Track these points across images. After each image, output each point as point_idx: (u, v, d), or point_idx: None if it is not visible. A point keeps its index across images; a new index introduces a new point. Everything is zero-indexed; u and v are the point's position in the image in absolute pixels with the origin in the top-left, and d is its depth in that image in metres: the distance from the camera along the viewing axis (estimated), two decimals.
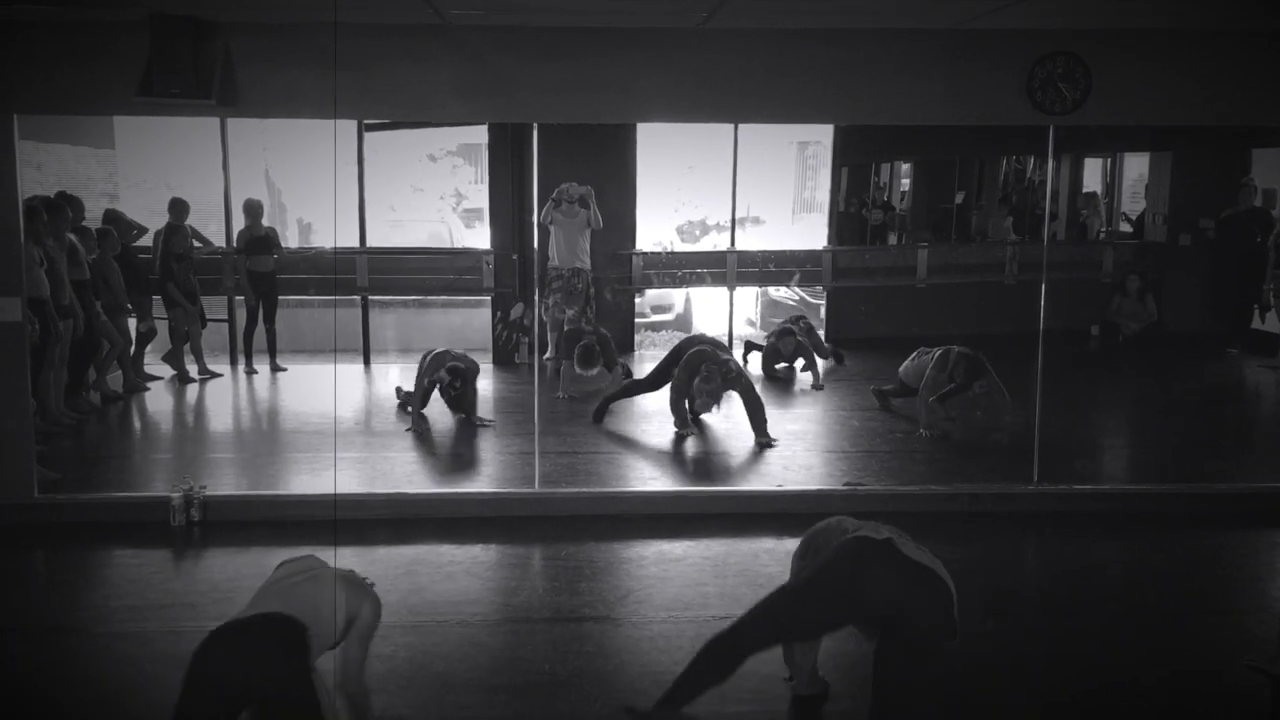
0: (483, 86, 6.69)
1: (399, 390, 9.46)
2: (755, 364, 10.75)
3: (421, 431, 8.65)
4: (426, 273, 11.44)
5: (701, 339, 9.21)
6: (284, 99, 6.58)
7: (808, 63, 6.79)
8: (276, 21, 6.42)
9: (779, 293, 13.80)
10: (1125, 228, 13.48)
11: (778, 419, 8.73)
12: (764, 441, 8.26)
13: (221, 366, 10.90)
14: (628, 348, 11.52)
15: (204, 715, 3.33)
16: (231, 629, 3.48)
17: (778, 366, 10.63)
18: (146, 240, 10.31)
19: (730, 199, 11.98)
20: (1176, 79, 6.89)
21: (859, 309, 12.11)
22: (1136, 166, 13.88)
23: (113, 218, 9.98)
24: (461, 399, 8.83)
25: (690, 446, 8.38)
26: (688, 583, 5.86)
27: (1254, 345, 11.23)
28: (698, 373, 8.41)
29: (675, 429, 8.51)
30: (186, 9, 6.07)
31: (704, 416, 8.77)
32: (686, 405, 8.50)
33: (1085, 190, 13.88)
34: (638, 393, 9.19)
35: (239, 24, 6.39)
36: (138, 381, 9.92)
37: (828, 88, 6.88)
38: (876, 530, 3.98)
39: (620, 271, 11.46)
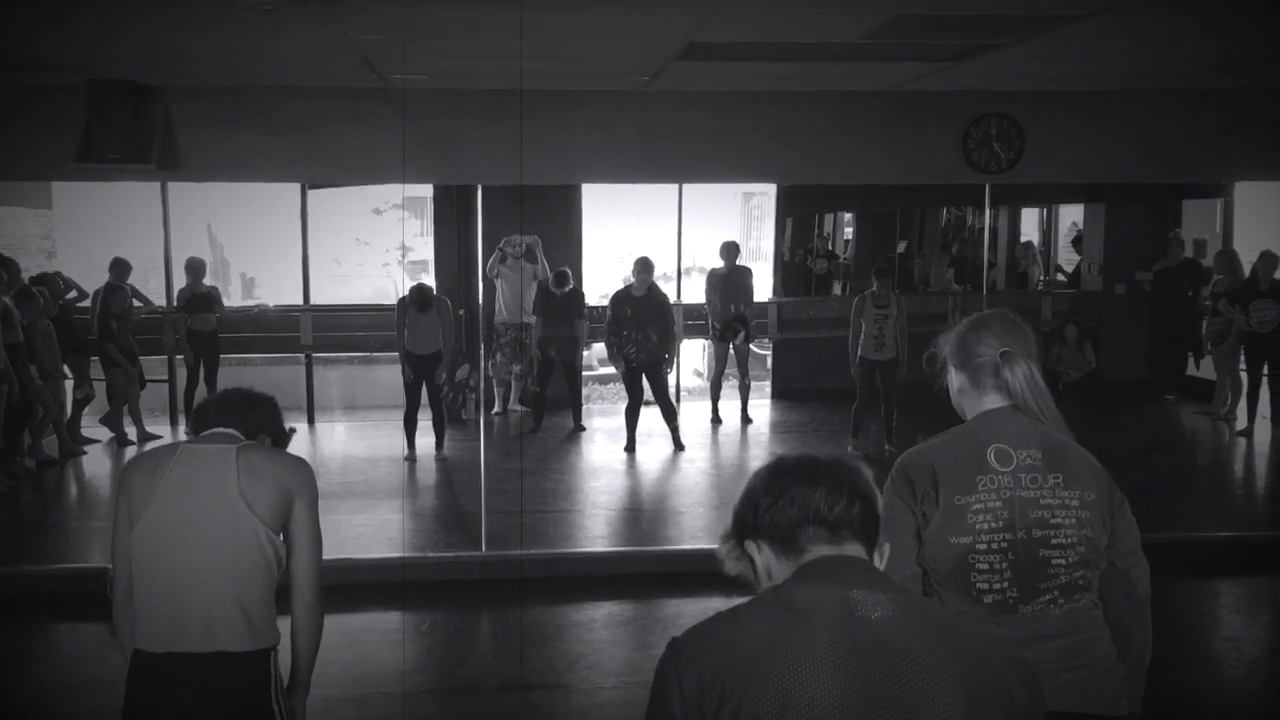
0: (427, 149, 6.71)
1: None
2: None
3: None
4: (372, 330, 11.36)
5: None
6: (225, 163, 6.56)
7: (749, 124, 6.90)
8: (217, 85, 6.41)
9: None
10: (1060, 277, 13.73)
11: (721, 474, 8.76)
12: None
13: (161, 428, 10.70)
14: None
15: None
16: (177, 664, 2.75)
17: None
18: (86, 301, 10.14)
19: (676, 249, 12.06)
20: (1107, 139, 7.09)
21: (804, 360, 12.18)
22: (1071, 215, 14.18)
23: (41, 280, 9.80)
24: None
25: (637, 503, 8.37)
26: (638, 646, 5.82)
27: (1190, 391, 11.46)
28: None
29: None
30: (126, 74, 6.03)
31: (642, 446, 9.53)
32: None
33: (1023, 240, 14.14)
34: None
35: (179, 88, 6.36)
36: (74, 446, 9.72)
37: (769, 149, 6.99)
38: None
39: (568, 335, 11.45)
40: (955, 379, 2.75)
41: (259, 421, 2.94)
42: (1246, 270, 10.28)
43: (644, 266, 9.78)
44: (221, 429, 2.86)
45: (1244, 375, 10.25)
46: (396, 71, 6.02)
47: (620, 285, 10.23)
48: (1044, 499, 2.55)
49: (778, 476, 1.81)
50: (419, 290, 9.29)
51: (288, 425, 3.07)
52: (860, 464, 1.83)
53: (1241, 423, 10.06)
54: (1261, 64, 6.20)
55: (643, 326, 9.49)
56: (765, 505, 1.78)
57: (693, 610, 6.34)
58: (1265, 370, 9.89)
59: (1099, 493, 2.59)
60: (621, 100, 6.77)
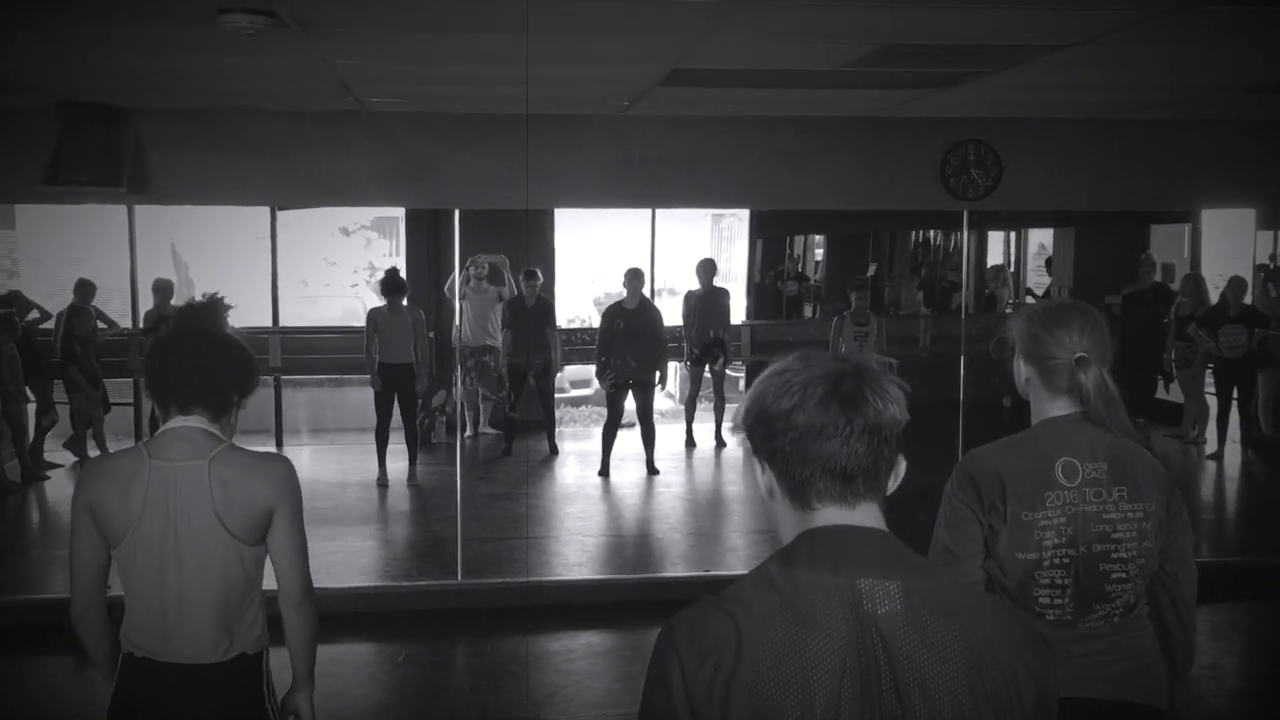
0: (403, 173, 6.64)
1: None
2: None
3: None
4: (341, 352, 11.23)
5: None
6: (198, 185, 6.45)
7: (728, 149, 6.88)
8: (189, 107, 6.31)
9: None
10: (1030, 300, 13.80)
11: (697, 500, 8.71)
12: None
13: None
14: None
15: None
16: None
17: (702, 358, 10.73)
18: (48, 323, 9.96)
19: (649, 271, 12.00)
20: (1082, 166, 7.13)
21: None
22: (1038, 237, 14.29)
23: (8, 301, 9.62)
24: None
25: (613, 529, 8.30)
26: (617, 676, 5.74)
27: (1158, 415, 11.53)
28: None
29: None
30: (97, 96, 5.92)
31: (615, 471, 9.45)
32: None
33: (992, 264, 14.21)
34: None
35: (150, 110, 6.26)
36: (37, 470, 9.52)
37: (748, 174, 6.97)
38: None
39: (541, 354, 11.37)
40: (1023, 370, 2.66)
41: (228, 394, 2.76)
42: (1212, 295, 10.39)
43: (635, 276, 9.52)
44: (187, 422, 2.71)
45: (1210, 399, 10.34)
46: (374, 95, 5.95)
47: (592, 306, 10.15)
48: (1106, 513, 2.51)
49: (800, 406, 1.57)
50: (391, 275, 9.09)
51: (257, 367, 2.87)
52: (893, 381, 1.62)
53: (1211, 446, 10.13)
54: (1231, 95, 6.27)
55: (634, 340, 9.25)
56: (779, 430, 1.58)
57: None
58: (1234, 394, 9.98)
59: (1160, 501, 2.56)
60: (601, 125, 6.73)
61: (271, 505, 2.72)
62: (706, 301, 10.62)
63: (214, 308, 2.87)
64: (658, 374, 9.51)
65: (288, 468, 2.81)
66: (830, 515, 1.60)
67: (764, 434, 1.62)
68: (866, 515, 1.61)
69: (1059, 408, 2.58)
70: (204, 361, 2.73)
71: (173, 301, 10.63)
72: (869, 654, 1.50)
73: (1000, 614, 1.65)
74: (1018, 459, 2.55)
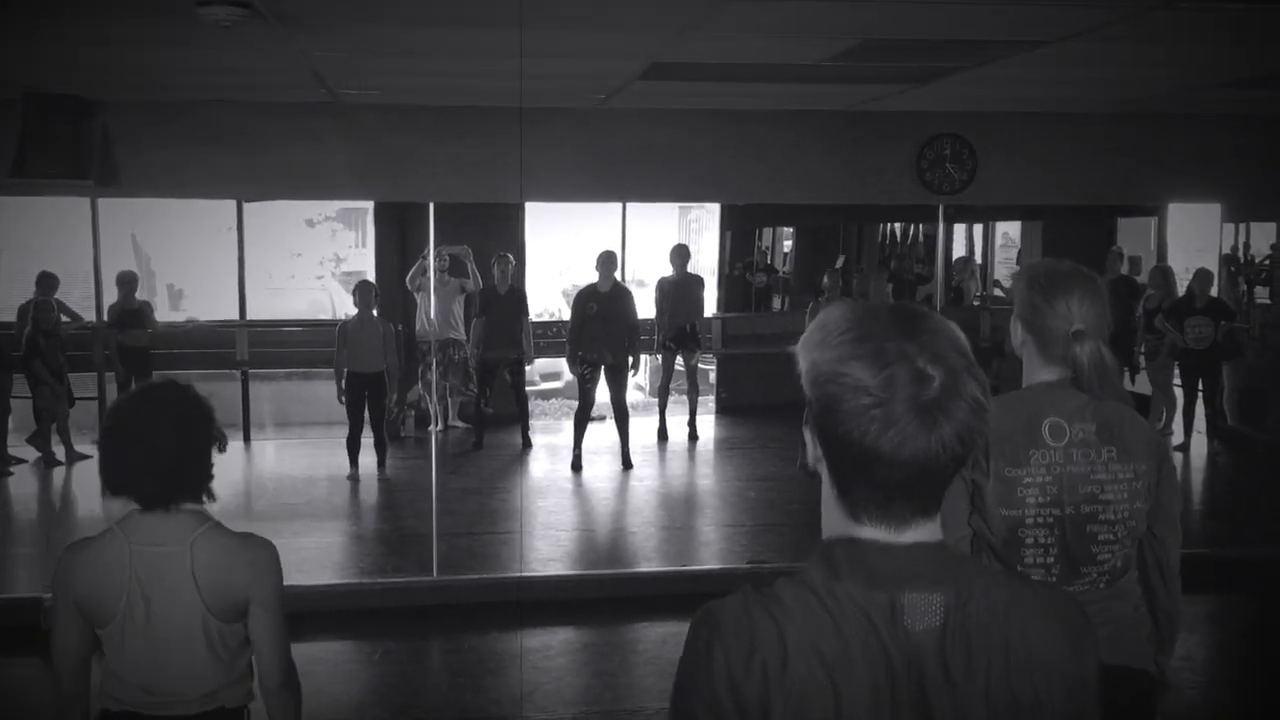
0: (377, 166, 6.57)
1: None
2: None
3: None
4: (307, 344, 11.11)
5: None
6: (167, 178, 6.36)
7: (705, 143, 6.87)
8: (159, 100, 6.20)
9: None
10: (998, 292, 13.89)
11: (670, 493, 8.69)
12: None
13: (91, 448, 10.34)
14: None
15: None
16: None
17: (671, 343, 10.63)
18: (8, 315, 9.78)
19: (620, 263, 11.93)
20: (1054, 161, 7.18)
21: (749, 375, 12.17)
22: (1003, 229, 14.37)
23: None
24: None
25: (587, 524, 8.27)
26: (596, 673, 5.72)
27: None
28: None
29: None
30: (64, 87, 5.80)
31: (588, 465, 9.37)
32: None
33: (958, 256, 14.28)
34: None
35: (120, 102, 6.15)
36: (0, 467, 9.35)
37: (724, 168, 6.96)
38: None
39: (514, 347, 11.29)
40: (1019, 332, 2.66)
41: (206, 480, 2.69)
42: (1180, 288, 10.48)
43: (608, 259, 9.31)
44: (164, 512, 2.64)
45: (1178, 391, 10.45)
46: (349, 87, 5.87)
47: (561, 298, 10.05)
48: (1095, 474, 2.52)
49: (878, 436, 1.40)
50: (363, 287, 9.01)
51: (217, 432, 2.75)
52: (981, 387, 1.41)
53: (1178, 438, 10.24)
54: (1209, 90, 6.32)
55: (606, 324, 9.10)
56: (848, 441, 1.42)
57: (651, 635, 6.25)
58: (1200, 386, 10.09)
59: (1149, 463, 2.58)
60: (577, 118, 6.69)
61: (250, 595, 2.67)
62: (680, 288, 10.51)
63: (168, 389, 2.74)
64: (630, 359, 9.41)
65: (270, 555, 2.73)
66: (875, 533, 1.51)
67: (827, 433, 1.48)
68: (916, 535, 1.51)
69: (1051, 373, 2.59)
70: (177, 478, 2.64)
71: (137, 295, 10.49)
72: (905, 673, 1.47)
73: (1046, 617, 1.56)
74: (1004, 417, 2.53)
